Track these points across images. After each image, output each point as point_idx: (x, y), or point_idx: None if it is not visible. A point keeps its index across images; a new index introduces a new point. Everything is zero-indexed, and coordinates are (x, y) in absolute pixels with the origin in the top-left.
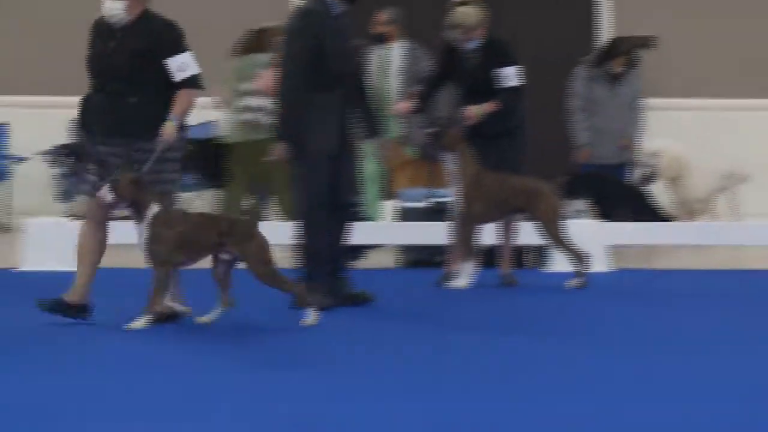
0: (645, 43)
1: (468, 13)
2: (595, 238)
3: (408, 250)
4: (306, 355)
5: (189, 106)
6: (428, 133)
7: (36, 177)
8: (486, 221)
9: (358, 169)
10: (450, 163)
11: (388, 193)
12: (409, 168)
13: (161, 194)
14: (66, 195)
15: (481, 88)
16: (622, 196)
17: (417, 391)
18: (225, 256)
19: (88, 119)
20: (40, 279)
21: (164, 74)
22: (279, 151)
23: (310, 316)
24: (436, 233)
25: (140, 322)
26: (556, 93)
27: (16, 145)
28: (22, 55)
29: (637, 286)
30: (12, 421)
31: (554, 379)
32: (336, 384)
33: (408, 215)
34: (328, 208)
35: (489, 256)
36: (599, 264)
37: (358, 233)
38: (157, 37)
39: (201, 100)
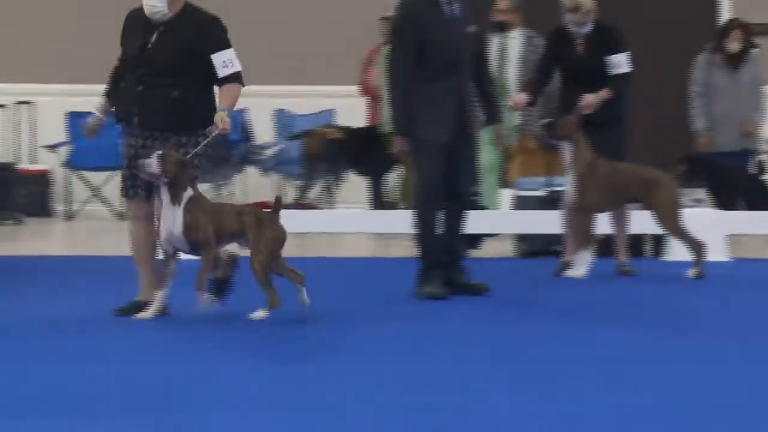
0: (765, 30)
1: None
2: (714, 227)
3: (525, 239)
4: (419, 345)
5: (236, 100)
6: (543, 124)
7: None
8: (601, 210)
9: (476, 158)
10: (565, 151)
11: (505, 182)
12: (525, 156)
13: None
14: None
15: (588, 74)
16: (741, 184)
17: (532, 383)
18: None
19: (123, 112)
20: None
21: (204, 69)
22: (398, 144)
23: (260, 313)
24: (553, 222)
25: (205, 303)
26: (677, 81)
27: None
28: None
29: (756, 276)
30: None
31: (669, 370)
32: (449, 373)
33: (524, 204)
34: (443, 197)
35: (606, 246)
36: (718, 253)
37: (475, 222)
38: (202, 32)
39: (321, 89)
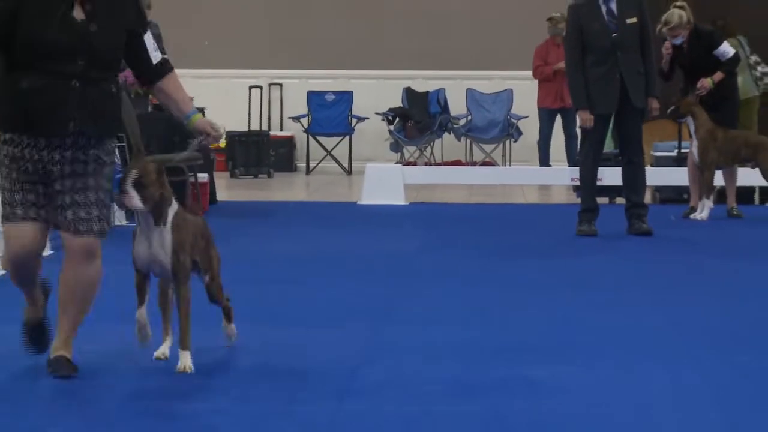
0: None
1: (673, 14)
2: None
3: (660, 189)
4: (579, 276)
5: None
6: (671, 110)
7: (369, 132)
8: (718, 167)
9: (640, 126)
10: (690, 123)
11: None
12: (660, 125)
13: None
14: (396, 146)
15: (693, 68)
16: None
17: (669, 302)
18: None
19: (32, 115)
20: (377, 210)
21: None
22: (581, 116)
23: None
24: (682, 177)
25: (187, 361)
26: None
27: (357, 107)
28: (360, 36)
29: None
30: None
31: None
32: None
33: (660, 162)
34: (622, 160)
35: (722, 196)
36: None
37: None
38: (136, 6)
39: (502, 73)
